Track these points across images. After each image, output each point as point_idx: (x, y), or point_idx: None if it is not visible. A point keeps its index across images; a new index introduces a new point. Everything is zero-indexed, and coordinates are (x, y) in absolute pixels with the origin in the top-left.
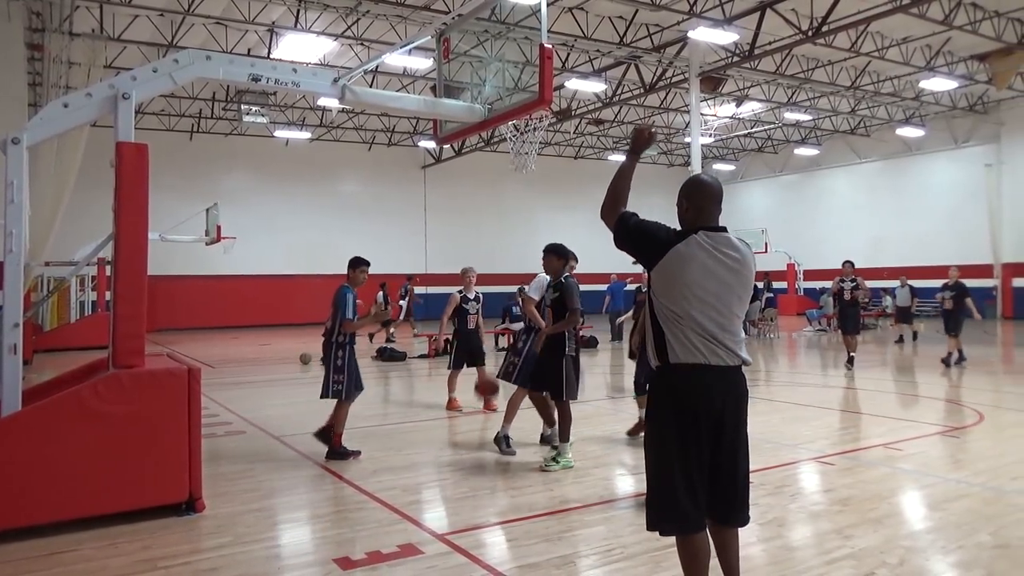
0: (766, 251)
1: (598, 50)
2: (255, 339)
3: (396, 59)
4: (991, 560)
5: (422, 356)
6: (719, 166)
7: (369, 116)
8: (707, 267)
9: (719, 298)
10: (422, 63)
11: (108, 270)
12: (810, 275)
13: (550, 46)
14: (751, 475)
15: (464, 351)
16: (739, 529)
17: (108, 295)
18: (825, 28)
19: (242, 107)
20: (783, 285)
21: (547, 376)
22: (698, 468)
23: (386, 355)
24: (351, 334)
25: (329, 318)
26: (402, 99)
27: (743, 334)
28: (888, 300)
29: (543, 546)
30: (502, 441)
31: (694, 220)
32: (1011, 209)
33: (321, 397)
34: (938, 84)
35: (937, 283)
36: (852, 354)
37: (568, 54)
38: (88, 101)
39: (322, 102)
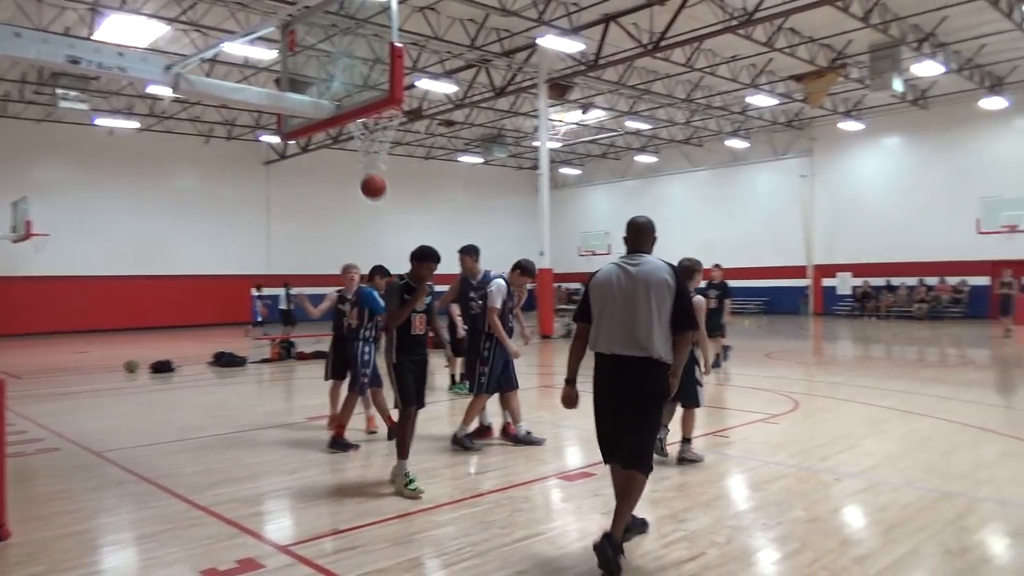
0: (610, 253)
1: (449, 52)
2: (73, 346)
3: (237, 48)
4: (805, 533)
5: (264, 360)
6: (566, 170)
7: (206, 107)
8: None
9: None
10: (265, 54)
11: None
12: None
13: (401, 45)
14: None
15: (341, 358)
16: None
17: None
18: (663, 43)
19: (57, 91)
20: None
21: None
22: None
23: (224, 360)
24: (375, 331)
25: (354, 318)
26: (243, 91)
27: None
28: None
29: (392, 550)
30: (464, 440)
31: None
32: (821, 216)
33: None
34: (761, 100)
35: (761, 283)
36: (716, 353)
37: (419, 54)
38: None
39: (152, 90)
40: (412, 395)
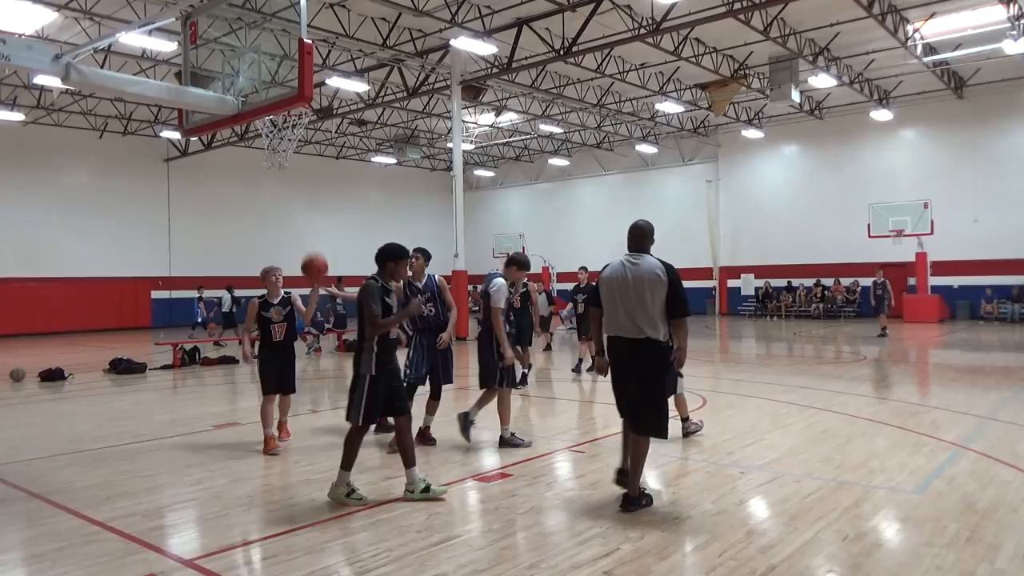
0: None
1: (360, 50)
2: None
3: (134, 39)
4: (713, 525)
5: (165, 367)
6: (480, 172)
7: (100, 100)
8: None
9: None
10: (165, 46)
11: None
12: (563, 277)
13: (310, 41)
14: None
15: (273, 370)
16: None
17: None
18: (574, 49)
19: None
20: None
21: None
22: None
23: (121, 367)
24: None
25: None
26: (141, 84)
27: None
28: None
29: (305, 559)
30: (512, 439)
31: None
32: (726, 220)
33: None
34: (669, 107)
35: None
36: (581, 359)
37: (329, 51)
38: None
39: (40, 80)
40: (373, 413)
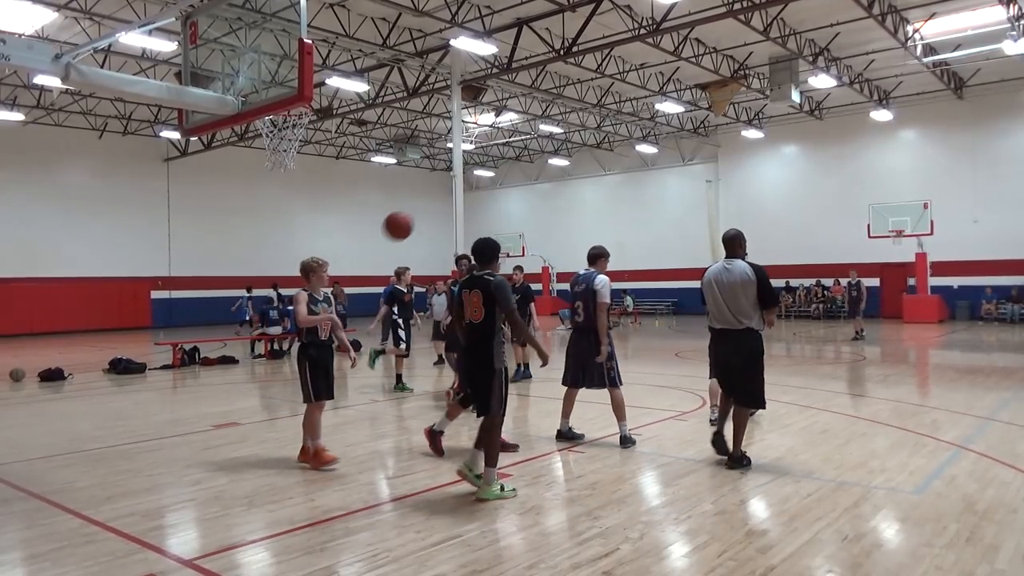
0: (523, 254)
1: (360, 50)
2: None
3: (134, 39)
4: (713, 525)
5: (165, 367)
6: (480, 172)
7: (100, 100)
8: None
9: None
10: (165, 46)
11: None
12: (563, 277)
13: (310, 41)
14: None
15: (321, 370)
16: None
17: None
18: (575, 49)
19: None
20: (538, 287)
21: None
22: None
23: (121, 367)
24: None
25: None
26: (141, 84)
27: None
28: (629, 300)
29: (304, 559)
30: (567, 433)
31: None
32: (726, 220)
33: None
34: (669, 107)
35: (670, 285)
36: (519, 364)
37: (329, 51)
38: None
39: (40, 80)
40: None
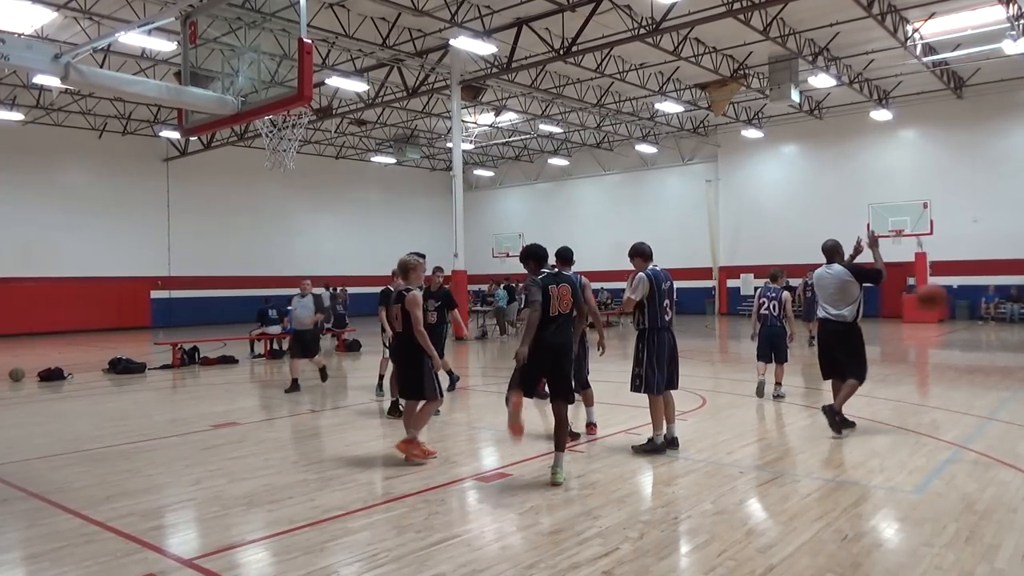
0: None
1: (360, 50)
2: None
3: (133, 39)
4: (712, 525)
5: (164, 367)
6: (479, 172)
7: (100, 100)
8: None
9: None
10: (165, 46)
11: None
12: None
13: (309, 41)
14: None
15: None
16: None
17: None
18: (574, 48)
19: None
20: None
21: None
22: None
23: (120, 367)
24: None
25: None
26: (141, 83)
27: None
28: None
29: (304, 559)
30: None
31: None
32: (726, 220)
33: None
34: (669, 107)
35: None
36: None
37: (329, 51)
38: None
39: (40, 80)
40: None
